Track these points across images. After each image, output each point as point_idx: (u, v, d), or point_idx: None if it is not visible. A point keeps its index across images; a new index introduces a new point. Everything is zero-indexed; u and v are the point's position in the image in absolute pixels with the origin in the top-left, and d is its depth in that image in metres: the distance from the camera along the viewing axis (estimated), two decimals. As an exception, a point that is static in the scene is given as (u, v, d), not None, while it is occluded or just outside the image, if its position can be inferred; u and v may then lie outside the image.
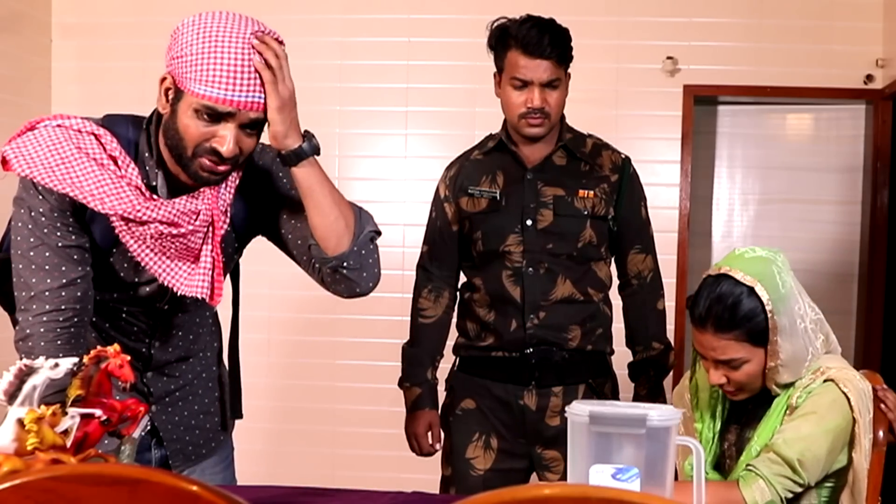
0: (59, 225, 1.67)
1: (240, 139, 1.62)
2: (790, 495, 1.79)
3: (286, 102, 1.63)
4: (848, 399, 1.79)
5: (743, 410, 1.95)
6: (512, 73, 2.44)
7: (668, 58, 4.32)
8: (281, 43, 1.64)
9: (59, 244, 1.67)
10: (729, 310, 1.81)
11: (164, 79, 1.64)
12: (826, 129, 4.59)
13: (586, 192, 2.50)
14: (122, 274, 1.76)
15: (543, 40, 2.39)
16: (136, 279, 1.77)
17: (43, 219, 1.66)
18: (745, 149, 4.67)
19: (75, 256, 1.68)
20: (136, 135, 1.71)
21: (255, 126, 1.64)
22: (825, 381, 1.82)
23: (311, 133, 1.70)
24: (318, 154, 1.70)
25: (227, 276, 1.95)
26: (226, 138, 1.60)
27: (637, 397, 2.60)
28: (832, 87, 4.33)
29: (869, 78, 4.30)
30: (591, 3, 4.35)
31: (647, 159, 4.30)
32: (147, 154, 1.70)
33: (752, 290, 1.80)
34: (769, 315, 1.79)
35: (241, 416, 2.08)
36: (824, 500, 1.86)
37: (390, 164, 4.47)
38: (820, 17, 4.31)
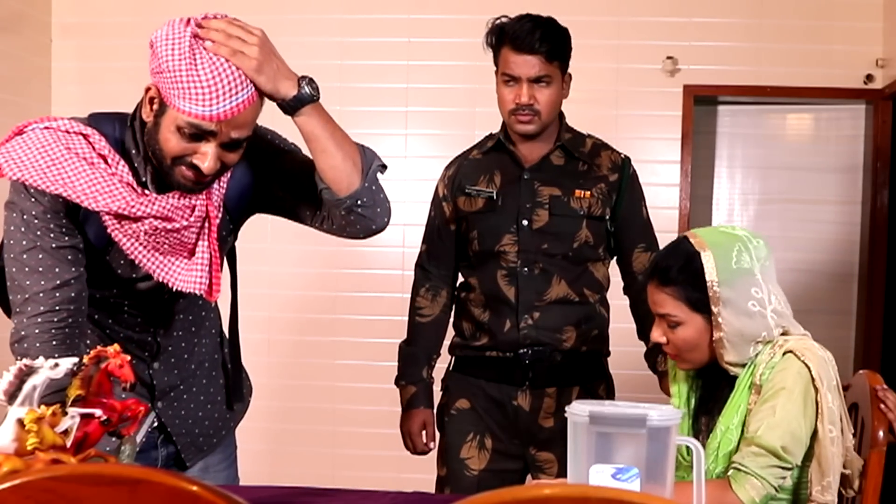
0: (51, 226, 1.67)
1: (221, 155, 1.63)
2: (782, 482, 1.78)
3: (260, 59, 1.60)
4: (808, 368, 1.78)
5: (710, 397, 1.94)
6: (503, 70, 2.45)
7: (668, 58, 4.32)
8: (218, 17, 1.62)
9: (53, 245, 1.67)
10: (672, 265, 1.85)
11: (148, 88, 1.63)
12: (826, 129, 4.59)
13: (583, 192, 2.49)
14: (119, 271, 1.77)
15: (532, 35, 2.39)
16: (134, 275, 1.77)
17: (35, 221, 1.66)
18: (745, 149, 4.67)
19: (69, 257, 1.68)
20: (122, 132, 1.71)
21: (236, 145, 1.64)
22: (784, 353, 1.81)
23: (307, 77, 1.68)
24: (318, 97, 1.69)
25: (224, 260, 1.95)
26: (207, 155, 1.60)
27: (660, 376, 2.53)
28: (832, 87, 4.33)
29: (869, 78, 4.30)
30: (591, 3, 4.35)
31: (647, 159, 4.30)
32: (134, 151, 1.70)
33: (699, 255, 1.82)
34: (709, 283, 1.80)
35: (241, 400, 2.07)
36: (794, 479, 1.85)
37: (390, 164, 4.43)
38: (820, 17, 4.31)
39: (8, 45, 4.19)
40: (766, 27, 4.33)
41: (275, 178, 1.83)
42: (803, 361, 1.79)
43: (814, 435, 1.79)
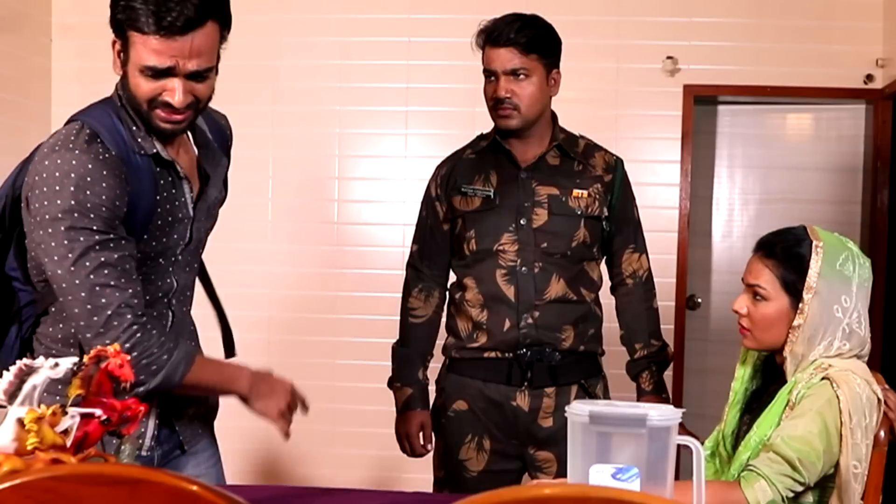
0: (111, 236, 1.68)
1: (190, 88, 1.70)
2: (791, 494, 1.79)
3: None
4: (839, 400, 1.79)
5: (762, 392, 1.98)
6: (483, 66, 2.47)
7: (668, 58, 4.32)
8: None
9: (115, 256, 1.69)
10: (782, 243, 1.93)
11: (114, 42, 1.71)
12: (826, 129, 4.58)
13: (580, 191, 2.50)
14: (158, 247, 1.81)
15: (508, 28, 2.40)
16: (164, 239, 1.82)
17: (96, 237, 1.67)
18: (745, 149, 4.67)
19: (128, 266, 1.71)
20: (118, 115, 1.76)
21: (202, 76, 1.70)
22: (822, 378, 1.82)
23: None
24: None
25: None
26: (175, 90, 1.68)
27: (641, 393, 2.59)
28: (832, 87, 4.33)
29: (869, 78, 4.30)
30: (591, 3, 4.35)
31: (647, 159, 4.30)
32: (135, 127, 1.76)
33: (812, 243, 1.89)
34: (811, 269, 1.86)
35: (234, 354, 2.13)
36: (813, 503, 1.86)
37: (390, 164, 4.47)
38: (820, 17, 4.31)
39: (8, 45, 4.18)
40: (766, 27, 4.33)
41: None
42: (836, 392, 1.80)
43: (836, 465, 1.80)
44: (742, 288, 1.99)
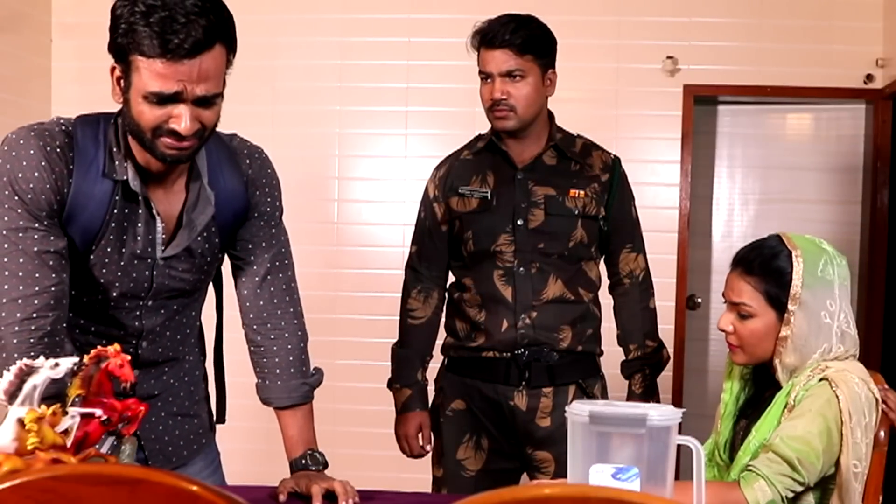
0: (35, 226, 1.63)
1: (197, 115, 1.60)
2: (791, 494, 1.79)
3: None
4: (838, 399, 1.79)
5: (756, 400, 1.97)
6: (479, 68, 2.47)
7: (668, 58, 4.32)
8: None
9: (35, 249, 1.63)
10: (760, 257, 1.90)
11: (113, 68, 1.62)
12: (826, 129, 4.59)
13: (577, 191, 2.49)
14: (101, 278, 1.74)
15: (503, 29, 2.40)
16: (117, 283, 1.75)
17: (20, 222, 1.63)
18: (745, 149, 4.67)
19: (51, 262, 1.64)
20: (106, 130, 1.70)
21: (208, 102, 1.61)
22: (820, 379, 1.82)
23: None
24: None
25: (210, 283, 1.96)
26: (181, 116, 1.58)
27: (631, 395, 2.59)
28: (832, 87, 4.33)
29: (869, 78, 4.30)
30: (591, 3, 4.35)
31: (647, 159, 4.30)
32: (115, 148, 1.69)
33: (790, 254, 1.87)
34: (793, 280, 1.85)
35: (223, 422, 2.09)
36: None
37: (390, 164, 4.47)
38: (820, 17, 4.31)
39: (8, 45, 4.19)
40: (766, 27, 4.33)
41: (243, 247, 1.92)
42: (835, 392, 1.80)
43: (837, 465, 1.80)
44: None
